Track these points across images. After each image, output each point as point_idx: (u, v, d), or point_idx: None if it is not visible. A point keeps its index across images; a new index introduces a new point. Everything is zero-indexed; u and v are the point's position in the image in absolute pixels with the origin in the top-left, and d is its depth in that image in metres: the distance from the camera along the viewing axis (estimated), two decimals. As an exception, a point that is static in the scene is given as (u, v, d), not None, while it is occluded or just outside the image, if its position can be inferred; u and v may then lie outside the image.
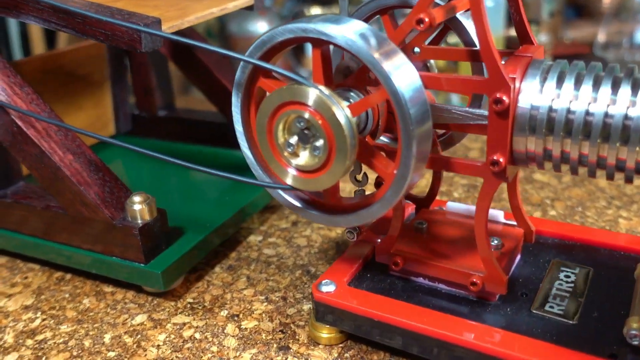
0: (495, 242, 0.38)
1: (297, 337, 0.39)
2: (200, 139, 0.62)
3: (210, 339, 0.39)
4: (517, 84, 0.31)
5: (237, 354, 0.38)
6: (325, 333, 0.38)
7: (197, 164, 0.36)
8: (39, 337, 0.40)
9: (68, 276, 0.47)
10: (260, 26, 0.84)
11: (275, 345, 0.38)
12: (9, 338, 0.40)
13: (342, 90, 0.35)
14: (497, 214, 0.41)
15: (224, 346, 0.38)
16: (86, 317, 0.42)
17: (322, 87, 0.31)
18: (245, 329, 0.40)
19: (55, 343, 0.39)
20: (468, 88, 0.31)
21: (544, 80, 0.32)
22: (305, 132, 0.32)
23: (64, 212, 0.44)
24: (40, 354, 0.39)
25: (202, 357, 0.38)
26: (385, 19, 0.40)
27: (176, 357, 0.38)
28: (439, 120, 0.36)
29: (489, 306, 0.36)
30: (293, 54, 1.04)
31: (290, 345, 0.38)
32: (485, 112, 0.33)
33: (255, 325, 0.40)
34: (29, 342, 0.40)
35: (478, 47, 0.37)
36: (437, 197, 0.43)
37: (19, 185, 0.48)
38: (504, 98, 0.30)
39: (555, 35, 1.10)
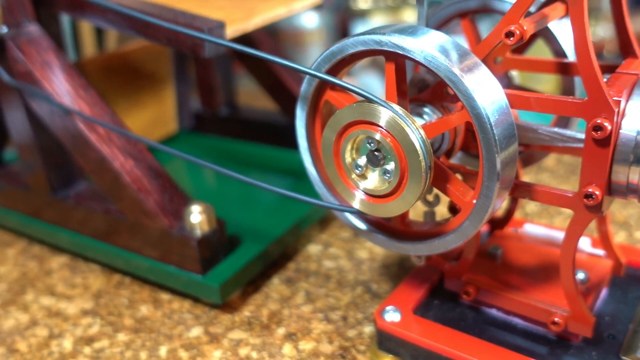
0: (581, 276, 0.34)
1: (357, 363, 0.37)
2: (262, 138, 0.60)
3: None
4: (621, 107, 0.27)
5: (294, 378, 0.36)
6: (388, 362, 0.35)
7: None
8: (97, 345, 0.40)
9: (127, 280, 0.46)
10: (308, 20, 0.82)
11: (334, 371, 0.36)
12: (68, 344, 0.40)
13: (416, 106, 0.32)
14: (584, 241, 0.38)
15: (281, 368, 0.37)
16: (143, 326, 0.41)
17: (396, 107, 0.28)
18: (303, 350, 0.38)
19: (112, 352, 0.39)
20: (563, 110, 0.28)
21: (652, 102, 0.28)
22: (376, 153, 0.29)
23: (123, 217, 0.43)
24: (96, 363, 0.38)
25: (257, 379, 0.36)
26: (465, 24, 0.37)
27: (231, 377, 0.36)
28: (522, 141, 0.33)
29: (571, 348, 0.32)
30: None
31: (349, 373, 0.36)
32: (581, 136, 0.30)
33: (314, 346, 0.38)
34: (87, 349, 0.39)
35: (570, 60, 0.34)
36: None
37: (81, 186, 0.48)
38: (606, 124, 0.26)
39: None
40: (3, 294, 0.46)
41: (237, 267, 0.41)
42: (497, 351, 0.32)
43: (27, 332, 0.41)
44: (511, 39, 0.27)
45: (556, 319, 0.32)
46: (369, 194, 0.30)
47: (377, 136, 0.28)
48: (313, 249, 0.49)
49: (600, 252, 0.37)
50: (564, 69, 0.34)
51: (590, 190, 0.28)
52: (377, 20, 0.96)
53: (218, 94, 0.61)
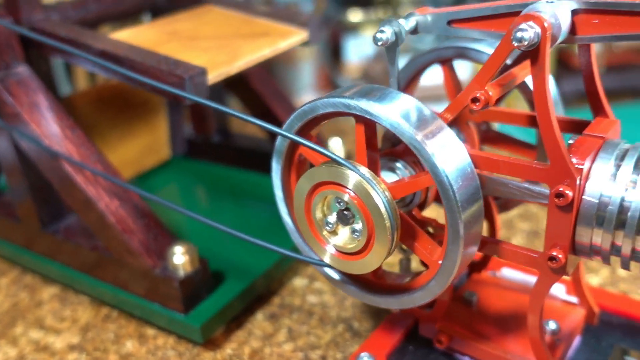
0: (553, 326, 0.35)
1: (333, 407, 0.37)
2: (253, 165, 0.61)
3: (245, 401, 0.38)
4: (584, 173, 0.27)
5: (271, 421, 0.37)
6: (363, 408, 0.36)
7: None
8: (81, 382, 0.41)
9: (114, 313, 0.47)
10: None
11: (310, 415, 0.37)
12: (53, 381, 0.41)
13: (388, 160, 0.33)
14: (558, 287, 0.38)
15: (258, 411, 0.37)
16: (127, 362, 0.42)
17: (363, 169, 0.29)
18: (281, 391, 0.39)
19: (95, 390, 0.40)
20: (528, 174, 0.28)
21: (617, 166, 0.28)
22: (345, 212, 0.30)
23: (109, 254, 0.44)
24: (80, 401, 0.39)
25: (235, 421, 0.37)
26: (445, 70, 0.38)
27: (209, 419, 0.37)
28: (494, 194, 0.33)
29: (541, 401, 0.33)
30: (331, 61, 1.00)
31: (325, 417, 0.37)
32: (547, 191, 0.30)
33: (292, 388, 0.39)
34: (71, 387, 0.40)
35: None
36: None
37: (70, 219, 0.49)
38: (568, 192, 0.27)
39: (606, 45, 1.00)
40: (-7, 326, 0.47)
41: (218, 306, 0.42)
42: (466, 403, 0.32)
43: (15, 367, 0.42)
44: (477, 104, 0.28)
45: (525, 373, 0.32)
46: (340, 251, 0.31)
47: (346, 197, 0.29)
48: (298, 282, 0.49)
49: (573, 300, 0.37)
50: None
51: (554, 253, 0.28)
52: (369, 33, 0.96)
53: (210, 120, 0.62)
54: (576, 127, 0.32)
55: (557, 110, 0.35)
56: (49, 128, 0.42)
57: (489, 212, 0.37)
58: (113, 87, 0.55)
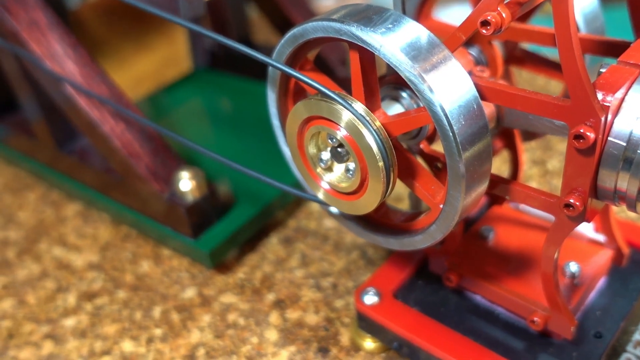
0: (573, 268, 0.32)
1: (339, 337, 0.37)
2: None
3: (253, 327, 0.38)
4: (612, 109, 0.23)
5: (276, 350, 0.36)
6: (368, 341, 0.35)
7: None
8: (98, 302, 0.42)
9: (134, 233, 0.47)
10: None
11: (315, 345, 0.36)
12: (72, 299, 0.42)
13: (393, 88, 0.29)
14: (585, 225, 0.35)
15: (264, 338, 0.37)
16: (142, 283, 0.43)
17: (357, 105, 0.25)
18: (289, 319, 0.38)
19: (111, 310, 0.41)
20: (544, 111, 0.24)
21: (654, 100, 0.24)
22: (339, 150, 0.27)
23: (121, 177, 0.43)
24: (96, 320, 0.40)
25: (241, 347, 0.37)
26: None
27: (217, 344, 0.37)
28: (514, 126, 0.29)
29: (551, 346, 0.31)
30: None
31: (330, 348, 0.36)
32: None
33: (300, 316, 0.38)
34: (88, 306, 0.41)
35: (581, 33, 0.29)
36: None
37: (85, 140, 0.48)
38: (589, 134, 0.23)
39: None
40: (20, 241, 0.48)
41: (228, 232, 0.41)
42: (469, 346, 0.31)
43: (38, 284, 0.44)
44: (488, 27, 0.24)
45: (535, 319, 0.30)
46: (335, 190, 0.29)
47: (338, 135, 0.26)
48: (315, 205, 0.48)
49: (601, 238, 0.34)
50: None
51: (571, 200, 0.25)
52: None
53: (231, 31, 0.59)
54: (612, 49, 0.27)
55: (595, 25, 0.30)
56: (50, 47, 0.40)
57: (511, 144, 0.34)
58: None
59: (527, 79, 0.58)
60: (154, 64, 0.57)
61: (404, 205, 0.45)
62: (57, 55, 0.40)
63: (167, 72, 0.59)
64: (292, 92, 0.31)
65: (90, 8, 0.50)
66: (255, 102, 0.56)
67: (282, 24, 0.52)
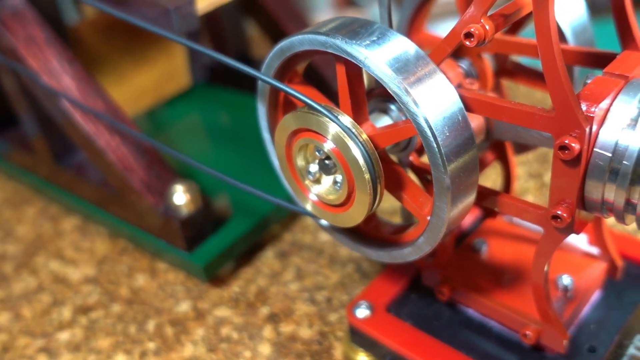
0: (566, 281, 0.32)
1: (332, 352, 0.36)
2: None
3: (246, 341, 0.38)
4: (596, 121, 0.23)
5: (268, 364, 0.36)
6: (361, 356, 0.35)
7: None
8: (93, 315, 0.42)
9: (130, 247, 0.47)
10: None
11: (308, 359, 0.36)
12: (67, 313, 0.42)
13: (382, 100, 0.29)
14: (579, 237, 0.34)
15: (258, 352, 0.37)
16: (137, 297, 0.43)
17: (343, 118, 0.26)
18: (282, 333, 0.38)
19: (105, 324, 0.41)
20: (530, 122, 0.24)
21: None
22: (326, 162, 0.27)
23: (117, 191, 0.43)
24: (90, 334, 0.40)
25: (234, 361, 0.37)
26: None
27: (210, 358, 0.37)
28: (504, 138, 0.29)
29: (544, 360, 0.30)
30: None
31: (323, 362, 0.36)
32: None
33: (293, 329, 0.38)
34: (83, 319, 0.41)
35: (568, 45, 0.29)
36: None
37: (83, 154, 0.48)
38: (574, 145, 0.23)
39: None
40: (18, 255, 0.48)
41: (223, 245, 0.41)
42: (461, 360, 0.31)
43: (34, 298, 0.44)
44: (471, 39, 0.24)
45: (527, 332, 0.30)
46: (323, 202, 0.29)
47: (325, 148, 0.26)
48: (311, 219, 0.48)
49: (594, 251, 0.34)
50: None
51: (558, 212, 0.25)
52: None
53: (229, 46, 0.59)
54: (599, 61, 0.27)
55: (584, 37, 0.30)
56: (47, 62, 0.41)
57: (503, 155, 0.34)
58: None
59: (525, 93, 0.58)
60: (153, 79, 0.57)
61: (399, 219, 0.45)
62: (54, 70, 0.41)
63: (165, 87, 0.60)
64: (281, 105, 0.31)
65: (89, 24, 0.51)
66: (254, 117, 0.56)
67: (280, 39, 0.53)
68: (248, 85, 0.59)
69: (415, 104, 0.23)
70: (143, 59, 0.55)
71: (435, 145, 0.23)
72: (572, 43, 0.30)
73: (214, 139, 0.56)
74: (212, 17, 0.57)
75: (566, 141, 0.23)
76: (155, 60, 0.57)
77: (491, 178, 0.48)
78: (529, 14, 0.27)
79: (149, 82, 0.57)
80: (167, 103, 0.59)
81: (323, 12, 0.90)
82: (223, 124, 0.58)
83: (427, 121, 0.23)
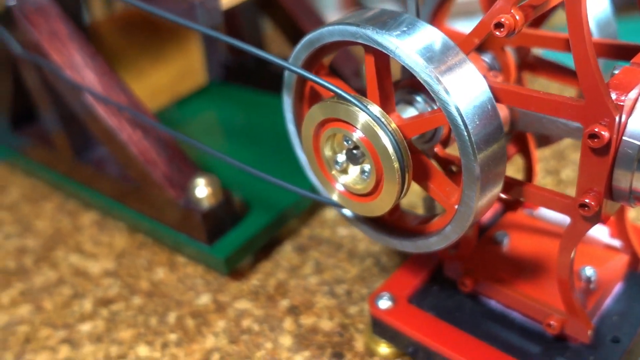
0: (589, 272, 0.32)
1: (353, 343, 0.37)
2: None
3: (267, 333, 0.38)
4: (625, 110, 0.24)
5: (290, 355, 0.37)
6: (383, 347, 0.35)
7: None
8: (114, 308, 0.42)
9: (149, 241, 0.48)
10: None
11: (329, 350, 0.36)
12: (88, 305, 0.42)
13: (407, 92, 0.30)
14: (601, 230, 0.35)
15: (279, 343, 0.37)
16: (157, 290, 0.43)
17: (372, 107, 0.26)
18: (303, 325, 0.38)
19: (126, 316, 0.41)
20: (559, 111, 0.25)
21: (667, 100, 0.24)
22: (354, 151, 0.28)
23: (138, 184, 0.44)
24: (111, 325, 0.41)
25: (255, 352, 0.37)
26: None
27: (231, 349, 0.38)
28: (528, 129, 0.30)
29: (567, 350, 0.31)
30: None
31: (345, 353, 0.36)
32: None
33: (314, 322, 0.39)
34: (104, 311, 0.42)
35: (594, 37, 0.30)
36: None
37: (103, 149, 0.49)
38: (604, 133, 0.23)
39: None
40: (37, 249, 0.49)
41: (244, 239, 0.41)
42: (485, 350, 0.31)
43: (54, 290, 0.44)
44: (501, 29, 0.24)
45: (552, 322, 0.30)
46: (350, 192, 0.29)
47: (354, 137, 0.27)
48: (329, 213, 0.48)
49: (616, 243, 0.34)
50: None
51: (586, 200, 0.25)
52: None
53: (247, 42, 0.59)
54: (624, 53, 0.27)
55: (608, 31, 0.31)
56: (70, 57, 0.41)
57: (525, 148, 0.34)
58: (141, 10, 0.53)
59: (541, 87, 0.58)
60: (170, 77, 0.58)
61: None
62: (77, 65, 0.41)
63: (182, 84, 0.60)
64: (307, 97, 0.31)
65: (107, 21, 0.52)
66: (269, 115, 0.57)
67: (296, 36, 0.53)
68: (264, 83, 0.60)
69: (447, 92, 0.24)
70: (160, 56, 0.56)
71: (465, 134, 0.24)
72: (596, 36, 0.30)
73: (230, 137, 0.56)
74: (231, 14, 0.58)
75: (596, 129, 0.23)
76: (171, 58, 0.57)
77: (508, 172, 0.48)
78: (556, 6, 0.27)
79: (165, 79, 0.57)
80: (183, 101, 0.60)
81: (330, 13, 0.91)
82: (239, 122, 0.59)
83: (458, 109, 0.24)
